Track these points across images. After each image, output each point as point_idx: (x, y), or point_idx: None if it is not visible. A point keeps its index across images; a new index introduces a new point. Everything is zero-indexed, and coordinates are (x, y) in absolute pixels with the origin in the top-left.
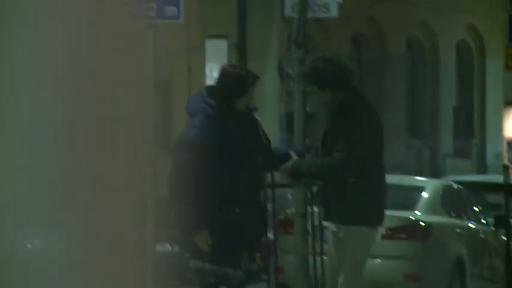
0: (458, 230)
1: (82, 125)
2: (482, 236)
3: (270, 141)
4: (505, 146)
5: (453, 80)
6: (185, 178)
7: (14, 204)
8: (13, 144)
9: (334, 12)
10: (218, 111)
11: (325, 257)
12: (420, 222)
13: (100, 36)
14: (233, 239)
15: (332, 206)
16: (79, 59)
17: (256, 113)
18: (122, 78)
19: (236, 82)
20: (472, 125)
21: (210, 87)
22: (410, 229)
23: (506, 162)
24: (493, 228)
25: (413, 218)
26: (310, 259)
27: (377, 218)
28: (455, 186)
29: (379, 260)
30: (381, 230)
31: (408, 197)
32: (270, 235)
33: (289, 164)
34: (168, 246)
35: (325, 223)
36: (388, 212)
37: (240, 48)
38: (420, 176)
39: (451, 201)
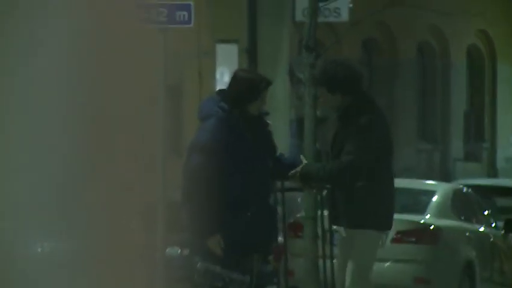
0: (467, 234)
1: (92, 128)
2: (492, 240)
3: (276, 148)
4: None
5: (463, 84)
6: (198, 181)
7: (24, 207)
8: (23, 147)
9: (345, 16)
10: (230, 115)
11: (335, 261)
12: (430, 226)
13: (111, 40)
14: (244, 242)
15: (340, 209)
16: (89, 63)
17: (268, 118)
18: (132, 83)
19: (248, 87)
20: (482, 129)
21: (222, 92)
22: (420, 233)
23: None
24: (502, 231)
25: (423, 222)
26: (320, 262)
27: (385, 222)
28: (465, 190)
29: (388, 264)
30: (392, 234)
31: (418, 201)
32: (280, 238)
33: (298, 168)
34: (178, 250)
35: (334, 227)
36: (398, 216)
37: (250, 53)
38: (431, 179)
39: (460, 205)
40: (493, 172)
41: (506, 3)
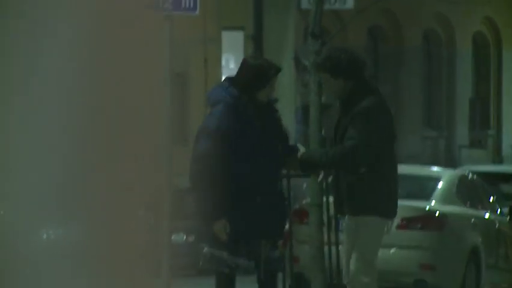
0: (473, 220)
1: (98, 116)
2: (497, 226)
3: (287, 134)
4: None
5: (469, 71)
6: (205, 166)
7: (31, 196)
8: (30, 137)
9: (350, 4)
10: (239, 101)
11: (340, 247)
12: (436, 213)
13: (116, 28)
14: (252, 227)
15: (343, 197)
16: (95, 50)
17: (276, 105)
18: (138, 70)
19: (257, 73)
20: (487, 116)
21: (231, 78)
22: (426, 219)
23: None
24: (508, 218)
25: (429, 208)
26: (326, 249)
27: (389, 209)
28: (470, 176)
29: (394, 250)
30: (397, 220)
31: (424, 187)
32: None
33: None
34: (183, 236)
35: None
36: (403, 202)
37: (256, 40)
38: (436, 166)
39: (466, 191)
40: (498, 159)
41: None
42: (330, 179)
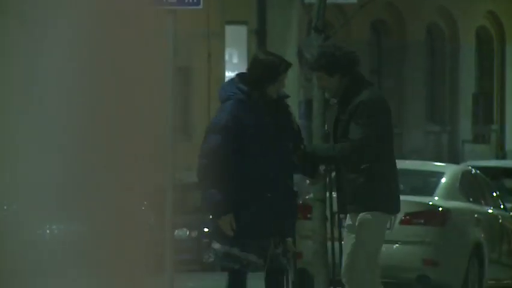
0: (476, 216)
1: (101, 111)
2: (501, 222)
3: (300, 129)
4: None
5: (472, 66)
6: (214, 161)
7: (31, 196)
8: (33, 131)
9: None
10: (249, 97)
11: (343, 243)
12: (439, 208)
13: (119, 22)
14: (264, 224)
15: (346, 193)
16: (97, 47)
17: (287, 100)
18: (141, 65)
19: (268, 69)
20: (491, 111)
21: (241, 74)
22: (429, 214)
23: None
24: (511, 213)
25: (432, 204)
26: (329, 244)
27: (392, 205)
28: (473, 171)
29: (397, 245)
30: (400, 215)
31: (427, 183)
32: None
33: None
34: (186, 232)
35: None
36: (406, 197)
37: (259, 34)
38: (439, 161)
39: (469, 186)
40: (501, 154)
41: None
42: (333, 174)
